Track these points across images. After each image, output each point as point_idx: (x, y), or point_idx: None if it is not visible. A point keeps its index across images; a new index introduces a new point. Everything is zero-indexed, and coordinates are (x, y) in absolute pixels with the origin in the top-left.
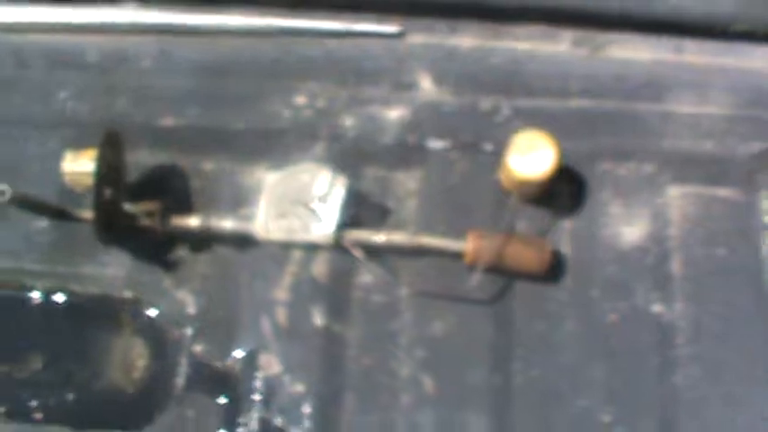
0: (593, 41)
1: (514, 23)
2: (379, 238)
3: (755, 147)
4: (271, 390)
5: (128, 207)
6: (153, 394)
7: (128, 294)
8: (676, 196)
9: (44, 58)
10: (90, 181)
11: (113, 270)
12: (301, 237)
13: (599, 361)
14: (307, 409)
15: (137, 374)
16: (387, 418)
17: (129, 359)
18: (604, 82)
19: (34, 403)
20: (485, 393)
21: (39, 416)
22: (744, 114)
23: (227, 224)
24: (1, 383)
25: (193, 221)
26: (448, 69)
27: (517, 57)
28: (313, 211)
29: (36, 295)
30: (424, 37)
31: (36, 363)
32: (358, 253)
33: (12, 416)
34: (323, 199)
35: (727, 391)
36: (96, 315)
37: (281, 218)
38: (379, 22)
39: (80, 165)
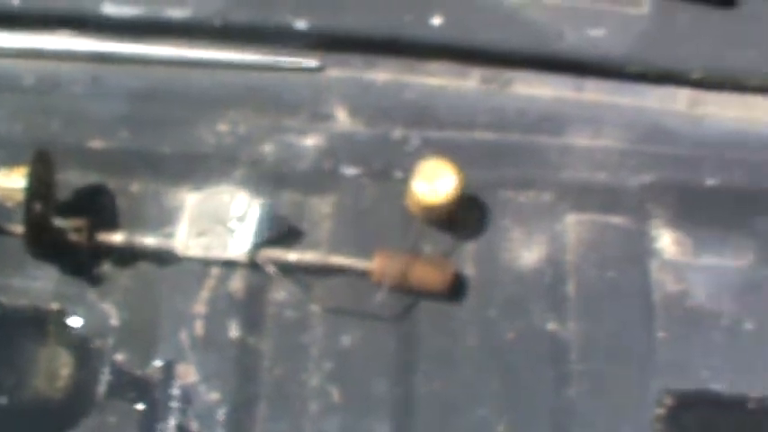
0: (499, 78)
1: (427, 60)
2: (292, 256)
3: (646, 178)
4: (187, 397)
5: (57, 222)
6: (76, 401)
7: (54, 306)
8: (572, 223)
9: None
10: (20, 196)
11: (41, 283)
12: (219, 254)
13: (496, 375)
14: (221, 416)
15: (61, 383)
16: (296, 425)
17: (54, 368)
18: (508, 116)
19: None
20: (388, 403)
21: None
22: (636, 148)
23: (150, 241)
24: None
25: (118, 237)
26: (363, 102)
27: (429, 91)
28: (230, 230)
29: None
30: (341, 71)
31: None
32: (271, 269)
33: None
34: (240, 219)
35: (615, 402)
36: (23, 326)
37: (200, 236)
38: (300, 56)
39: (11, 181)
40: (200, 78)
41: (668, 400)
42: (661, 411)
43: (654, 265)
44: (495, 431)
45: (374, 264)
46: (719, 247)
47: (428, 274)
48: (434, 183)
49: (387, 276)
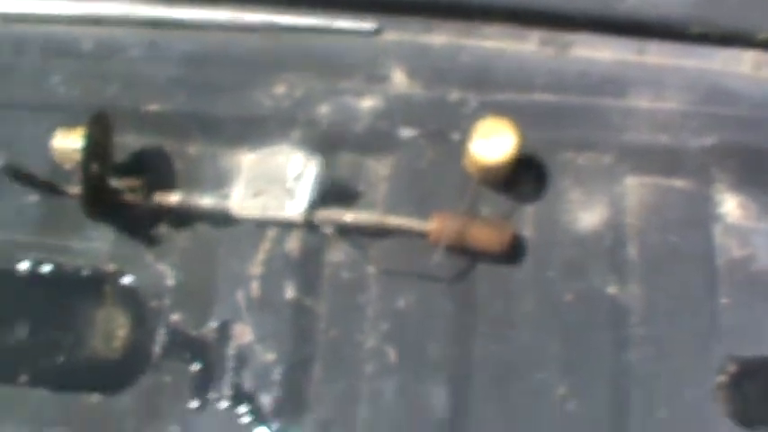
0: (558, 41)
1: (485, 23)
2: (349, 217)
3: (709, 141)
4: (242, 358)
5: (113, 183)
6: (132, 361)
7: (111, 267)
8: (633, 185)
9: (40, 46)
10: (78, 157)
11: (98, 244)
12: (275, 214)
13: (556, 338)
14: (276, 376)
15: (117, 343)
16: (352, 385)
17: (111, 328)
18: (568, 78)
19: (19, 368)
20: (445, 365)
21: (23, 379)
22: (698, 110)
23: (206, 201)
24: None
25: (174, 198)
26: (420, 64)
27: (486, 54)
28: (287, 191)
29: (24, 266)
30: (398, 34)
31: (22, 330)
32: (328, 230)
33: None
34: (297, 179)
35: (676, 367)
36: (81, 286)
37: (256, 196)
38: (357, 19)
39: (69, 141)
40: (256, 42)
41: (731, 367)
42: (723, 378)
43: (717, 230)
44: (555, 394)
45: (432, 224)
46: None
47: (486, 235)
48: (493, 142)
49: (444, 237)
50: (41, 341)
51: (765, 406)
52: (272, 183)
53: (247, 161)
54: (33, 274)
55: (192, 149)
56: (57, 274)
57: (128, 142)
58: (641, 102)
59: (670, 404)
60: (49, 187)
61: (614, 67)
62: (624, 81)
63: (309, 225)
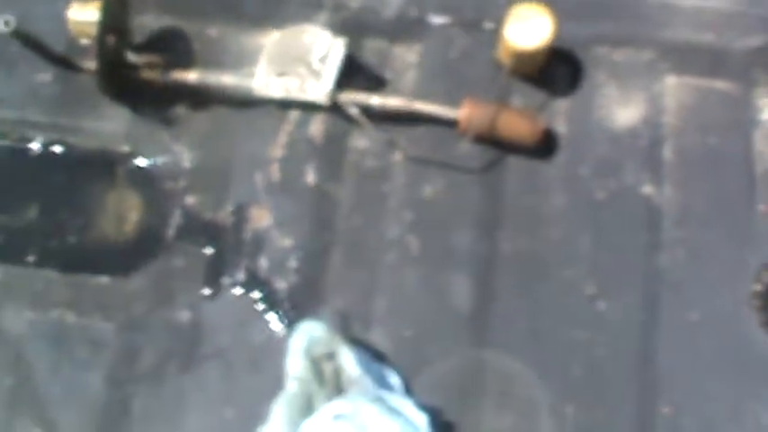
0: None
1: None
2: (375, 100)
3: (754, 42)
4: (259, 242)
5: (131, 58)
6: (143, 243)
7: (125, 148)
8: (673, 85)
9: None
10: (94, 30)
11: (113, 124)
12: (299, 95)
13: (585, 236)
14: (293, 263)
15: (129, 225)
16: (372, 274)
17: (122, 210)
18: None
19: (27, 248)
20: (470, 257)
21: (31, 259)
22: (745, 10)
23: (227, 79)
24: None
25: (193, 75)
26: None
27: None
28: (312, 71)
29: (35, 146)
30: None
31: (32, 211)
32: (354, 111)
33: (5, 258)
34: (322, 60)
35: (710, 273)
36: (93, 168)
37: (280, 75)
38: None
39: (86, 13)
40: None
41: (767, 276)
42: (759, 287)
43: (757, 135)
44: (583, 293)
45: (461, 111)
46: None
47: (517, 125)
48: (528, 27)
49: (474, 125)
50: (51, 221)
51: None
52: (296, 62)
53: (271, 40)
54: (45, 154)
55: (213, 30)
56: (68, 155)
57: (145, 23)
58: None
59: (702, 309)
60: (63, 61)
61: None
62: None
63: (334, 107)
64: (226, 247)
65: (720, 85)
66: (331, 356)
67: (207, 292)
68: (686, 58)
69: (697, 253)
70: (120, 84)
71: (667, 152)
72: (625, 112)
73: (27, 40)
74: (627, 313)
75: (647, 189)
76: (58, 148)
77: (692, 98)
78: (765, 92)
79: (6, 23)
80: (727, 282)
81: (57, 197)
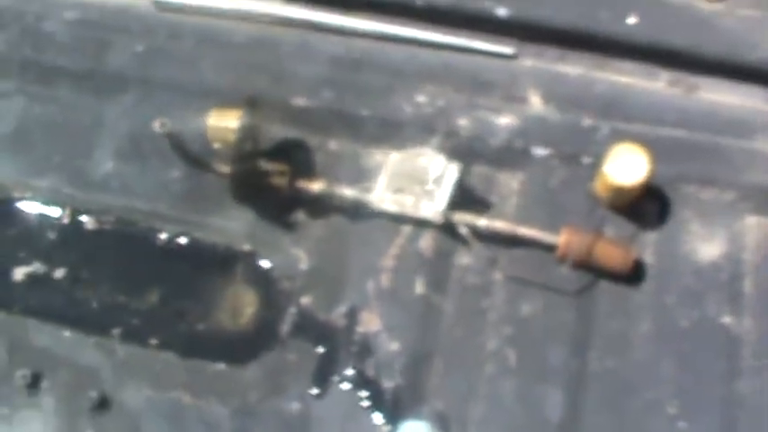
0: (686, 82)
1: (618, 58)
2: (483, 222)
3: None
4: (367, 345)
5: (262, 164)
6: (259, 336)
7: (246, 247)
8: (753, 224)
9: (195, 35)
10: (231, 136)
11: (237, 224)
12: (413, 212)
13: (669, 360)
14: (398, 365)
15: (244, 320)
16: (471, 383)
17: (239, 305)
18: (696, 117)
19: (150, 332)
20: (562, 373)
21: (153, 342)
22: None
23: (348, 192)
24: (121, 310)
25: (317, 186)
26: (556, 90)
27: (618, 87)
28: (426, 191)
29: (162, 236)
30: (534, 60)
31: (154, 297)
32: (463, 230)
33: (127, 338)
34: (436, 181)
35: None
36: (214, 262)
37: (396, 192)
38: (497, 41)
39: (224, 120)
40: (401, 52)
41: None
42: None
43: None
44: (666, 413)
45: (561, 238)
46: None
47: (611, 255)
48: (626, 166)
49: (572, 251)
50: (173, 308)
51: None
52: (412, 181)
53: (392, 159)
54: (171, 245)
55: (334, 145)
56: (193, 248)
57: (273, 132)
58: (766, 145)
59: None
60: (201, 163)
61: (741, 110)
62: (750, 125)
63: (444, 226)
64: (337, 347)
65: None
66: None
67: (317, 386)
68: (766, 199)
69: None
70: (249, 188)
71: (747, 286)
72: (708, 248)
73: (175, 142)
74: None
75: (727, 319)
76: (183, 241)
77: None
78: None
79: (163, 125)
80: None
81: (179, 286)
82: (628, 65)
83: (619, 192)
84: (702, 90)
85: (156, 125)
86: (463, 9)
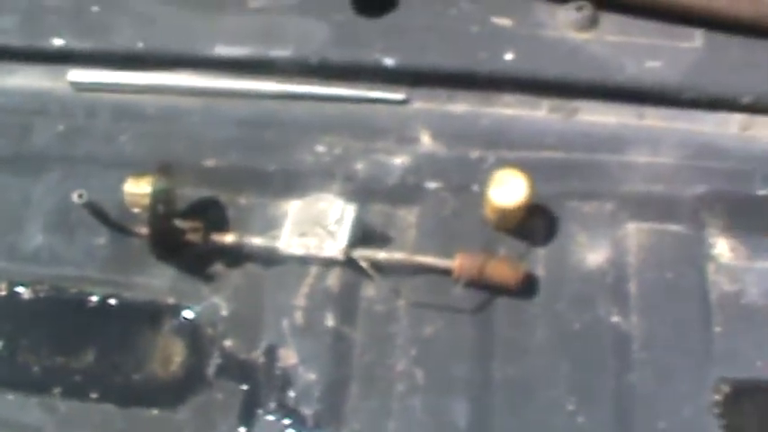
0: (566, 108)
1: (501, 92)
2: (382, 255)
3: (699, 189)
4: (287, 378)
5: (177, 224)
6: (188, 381)
7: (171, 300)
8: (633, 230)
9: (110, 111)
10: (146, 201)
11: (160, 281)
12: (318, 252)
13: (565, 361)
14: (317, 393)
15: (173, 367)
16: (384, 403)
17: (168, 354)
18: (574, 138)
19: (89, 387)
20: (467, 385)
21: (92, 396)
22: (690, 164)
23: (257, 241)
24: (61, 370)
25: (229, 238)
26: (444, 128)
27: (502, 119)
28: (328, 232)
29: (94, 299)
30: (424, 103)
31: (90, 355)
32: (365, 264)
33: (67, 395)
34: (337, 222)
35: (675, 387)
36: (143, 318)
37: (301, 236)
38: (388, 89)
39: (139, 187)
40: (301, 108)
41: (725, 388)
42: (718, 397)
43: (710, 268)
44: (565, 410)
45: (454, 262)
46: None
47: (502, 272)
48: (507, 189)
49: (465, 273)
50: (107, 363)
51: (754, 422)
52: (315, 225)
53: (294, 206)
54: (102, 306)
55: (244, 200)
56: (122, 307)
57: (188, 194)
58: (639, 157)
59: (669, 419)
60: (121, 227)
61: (616, 128)
62: (624, 140)
63: (348, 263)
64: (259, 383)
65: (674, 227)
66: None
67: (243, 420)
68: (642, 206)
69: (662, 371)
70: (168, 246)
71: (632, 287)
72: (594, 256)
73: (94, 211)
74: (603, 425)
75: (616, 319)
76: (113, 301)
77: (649, 240)
78: (714, 231)
79: (80, 196)
80: (690, 394)
81: (113, 342)
82: (510, 98)
83: (503, 213)
84: (581, 113)
85: (75, 196)
86: (355, 62)
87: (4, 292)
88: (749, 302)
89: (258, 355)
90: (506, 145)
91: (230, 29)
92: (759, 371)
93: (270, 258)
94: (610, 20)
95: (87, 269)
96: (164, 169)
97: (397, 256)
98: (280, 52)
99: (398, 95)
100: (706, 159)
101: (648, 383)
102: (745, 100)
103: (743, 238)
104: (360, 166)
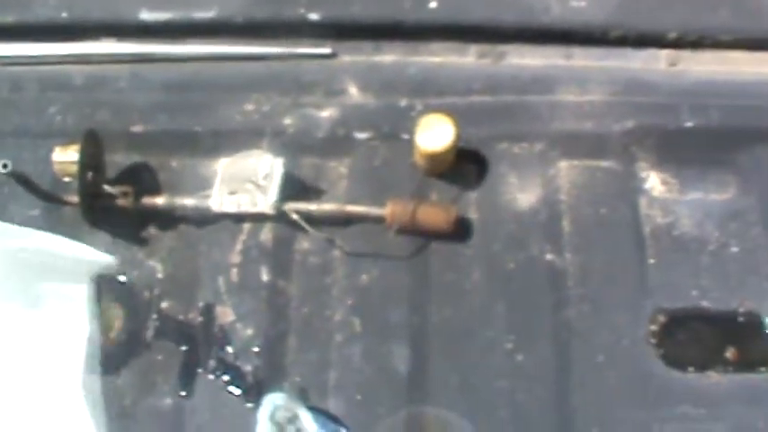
0: (494, 52)
1: (428, 41)
2: (314, 207)
3: (628, 124)
4: (225, 335)
5: (107, 189)
6: (128, 345)
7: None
8: (564, 168)
9: (37, 83)
10: (74, 168)
11: (96, 248)
12: (249, 209)
13: (502, 301)
14: (256, 349)
15: (113, 333)
16: (323, 353)
17: (108, 320)
18: (502, 82)
19: None
20: (406, 330)
21: None
22: (619, 100)
23: (188, 202)
24: None
25: (160, 200)
26: (371, 79)
27: (430, 67)
28: (258, 187)
29: None
30: (351, 56)
31: None
32: (297, 217)
33: None
34: (266, 178)
35: (611, 320)
36: None
37: (232, 194)
38: (314, 45)
39: (67, 156)
40: (227, 69)
41: (661, 318)
42: (654, 328)
43: (643, 202)
44: (504, 349)
45: (386, 210)
46: (703, 183)
47: (434, 216)
48: (434, 133)
49: (397, 219)
50: None
51: (690, 349)
52: (245, 182)
53: (222, 165)
54: None
55: (175, 162)
56: None
57: (118, 160)
58: (568, 96)
59: (607, 351)
60: (50, 197)
61: (544, 69)
62: (552, 81)
63: (280, 217)
64: (197, 342)
65: (605, 163)
66: (293, 420)
67: (184, 380)
68: (573, 144)
69: (599, 305)
70: (99, 212)
71: (565, 224)
72: (527, 196)
73: (21, 180)
74: (542, 361)
75: (550, 256)
76: None
77: (581, 177)
78: (645, 165)
79: (4, 166)
80: (627, 326)
81: None
82: (437, 45)
83: (432, 158)
84: (509, 56)
85: None
86: (279, 19)
87: None
88: (682, 234)
89: (195, 315)
90: (434, 92)
91: None
92: (694, 300)
93: (202, 218)
94: None
95: None
96: (90, 136)
97: (329, 207)
98: (203, 14)
99: (325, 50)
100: (634, 95)
101: (585, 318)
102: (672, 35)
103: (673, 171)
104: (288, 121)
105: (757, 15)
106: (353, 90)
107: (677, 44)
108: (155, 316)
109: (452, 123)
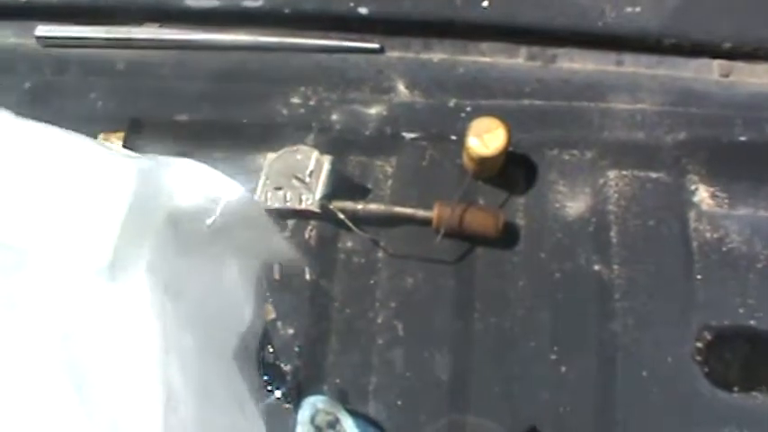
0: (544, 55)
1: (478, 40)
2: (360, 206)
3: (679, 136)
4: (266, 333)
5: None
6: None
7: None
8: (614, 178)
9: (79, 66)
10: None
11: None
12: (294, 205)
13: (546, 311)
14: (296, 349)
15: None
16: (364, 356)
17: None
18: (553, 86)
19: None
20: (448, 336)
21: None
22: (671, 110)
23: None
24: None
25: None
26: (420, 77)
27: (480, 67)
28: (304, 184)
29: None
30: (400, 52)
31: None
32: (341, 217)
33: None
34: (312, 174)
35: (657, 335)
36: None
37: (277, 190)
38: (363, 39)
39: (109, 143)
40: (273, 60)
41: (707, 335)
42: (700, 345)
43: (692, 216)
44: (547, 360)
45: (433, 212)
46: (754, 199)
47: (482, 221)
48: (486, 137)
49: (444, 223)
50: None
51: (736, 368)
52: (290, 178)
53: (269, 159)
54: None
55: (218, 154)
56: None
57: (159, 151)
58: (619, 105)
59: (651, 367)
60: None
61: (595, 75)
62: (603, 87)
63: (325, 215)
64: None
65: (655, 174)
66: (333, 424)
67: None
68: (623, 154)
69: (645, 319)
70: None
71: (613, 235)
72: (575, 204)
73: None
74: (585, 374)
75: (597, 267)
76: None
77: (631, 188)
78: (695, 178)
79: None
80: (673, 342)
81: None
82: (487, 46)
83: (482, 162)
84: (560, 61)
85: None
86: (329, 11)
87: None
88: (730, 249)
89: None
90: (483, 93)
91: None
92: (741, 317)
93: None
94: None
95: None
96: (135, 125)
97: (375, 207)
98: (252, 2)
99: (373, 45)
100: (686, 106)
101: (630, 331)
102: (726, 45)
103: (724, 184)
104: (335, 117)
105: None
106: (401, 87)
107: (731, 55)
108: None
109: (505, 128)
